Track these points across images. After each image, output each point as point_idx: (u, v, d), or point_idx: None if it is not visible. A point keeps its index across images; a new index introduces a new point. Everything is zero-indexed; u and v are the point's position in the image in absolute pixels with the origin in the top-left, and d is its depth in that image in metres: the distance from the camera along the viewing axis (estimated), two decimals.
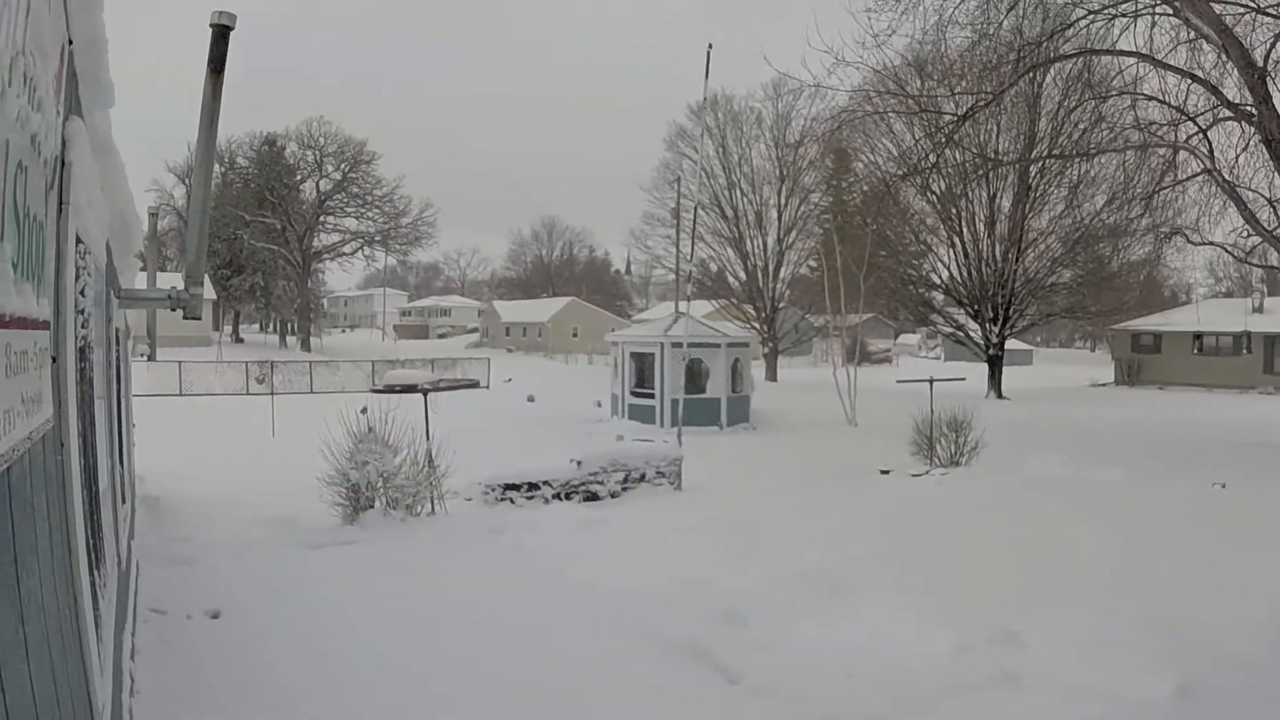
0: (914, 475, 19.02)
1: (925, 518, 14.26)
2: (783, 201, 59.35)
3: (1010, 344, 52.53)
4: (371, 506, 14.73)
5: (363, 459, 14.70)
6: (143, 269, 11.06)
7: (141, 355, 38.04)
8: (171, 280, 7.93)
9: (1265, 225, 23.93)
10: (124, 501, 8.30)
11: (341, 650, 8.43)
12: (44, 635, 2.48)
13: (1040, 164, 43.07)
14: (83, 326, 3.96)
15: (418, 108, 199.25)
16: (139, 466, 15.20)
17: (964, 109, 24.49)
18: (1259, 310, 54.87)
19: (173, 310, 6.55)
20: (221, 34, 5.08)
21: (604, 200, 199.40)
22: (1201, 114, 23.98)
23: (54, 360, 2.84)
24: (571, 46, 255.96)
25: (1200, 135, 24.26)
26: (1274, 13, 20.61)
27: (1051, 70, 30.14)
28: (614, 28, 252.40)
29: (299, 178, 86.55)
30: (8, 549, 2.09)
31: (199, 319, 6.77)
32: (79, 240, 3.44)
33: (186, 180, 75.08)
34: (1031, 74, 27.05)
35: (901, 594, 9.90)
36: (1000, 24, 21.84)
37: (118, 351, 7.90)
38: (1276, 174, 22.90)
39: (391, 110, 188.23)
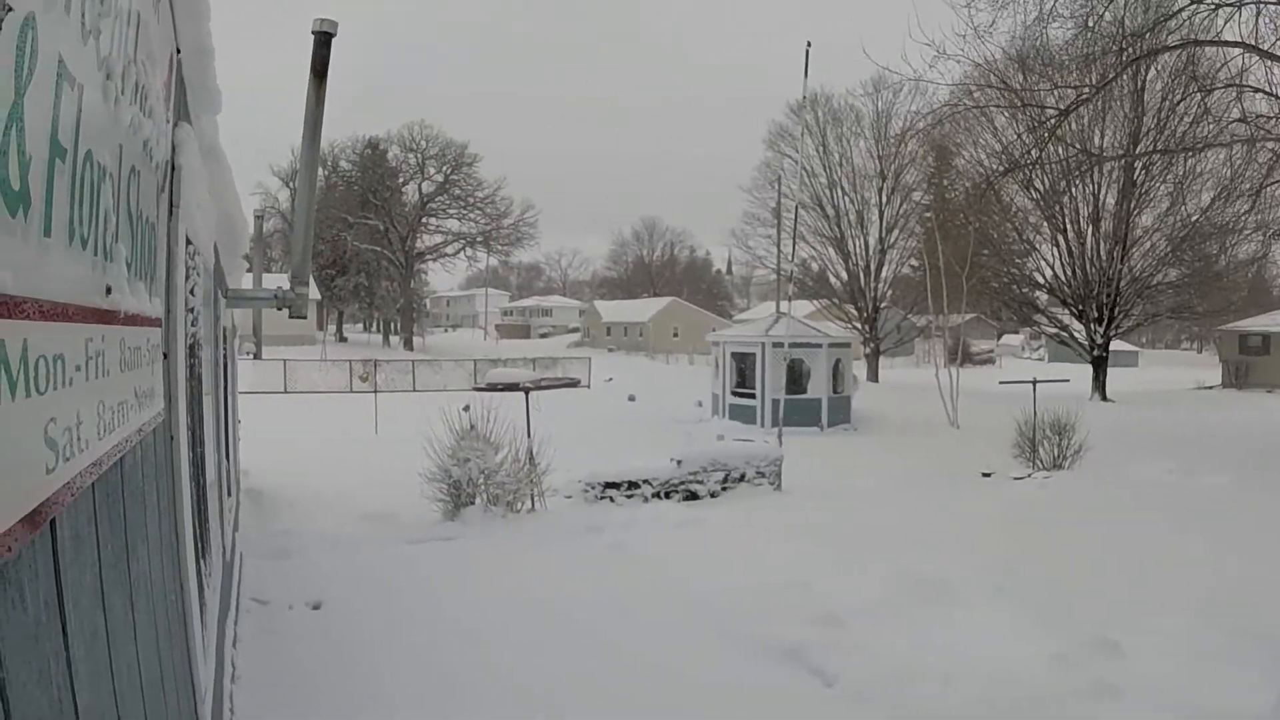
0: (1016, 478, 18.77)
1: (1026, 521, 14.06)
2: (884, 200, 58.70)
3: (1115, 345, 51.30)
4: (472, 503, 14.91)
5: (464, 456, 14.89)
6: (248, 270, 11.34)
7: (247, 353, 38.76)
8: (277, 281, 8.13)
9: None
10: (229, 494, 8.53)
11: (440, 646, 8.54)
12: (152, 619, 2.58)
13: (1145, 160, 42.05)
14: (192, 324, 4.10)
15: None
16: (244, 461, 15.56)
17: (1066, 103, 24.05)
18: None
19: (279, 309, 6.73)
20: (324, 40, 5.19)
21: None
22: None
23: (165, 356, 2.95)
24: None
25: None
26: None
27: (1155, 64, 29.46)
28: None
29: (401, 180, 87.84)
30: (120, 536, 2.18)
31: (304, 318, 6.92)
32: (188, 241, 3.56)
33: (290, 183, 76.58)
34: (1135, 68, 26.44)
35: (1001, 599, 9.77)
36: (1101, 15, 21.39)
37: (225, 349, 8.11)
38: None
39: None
